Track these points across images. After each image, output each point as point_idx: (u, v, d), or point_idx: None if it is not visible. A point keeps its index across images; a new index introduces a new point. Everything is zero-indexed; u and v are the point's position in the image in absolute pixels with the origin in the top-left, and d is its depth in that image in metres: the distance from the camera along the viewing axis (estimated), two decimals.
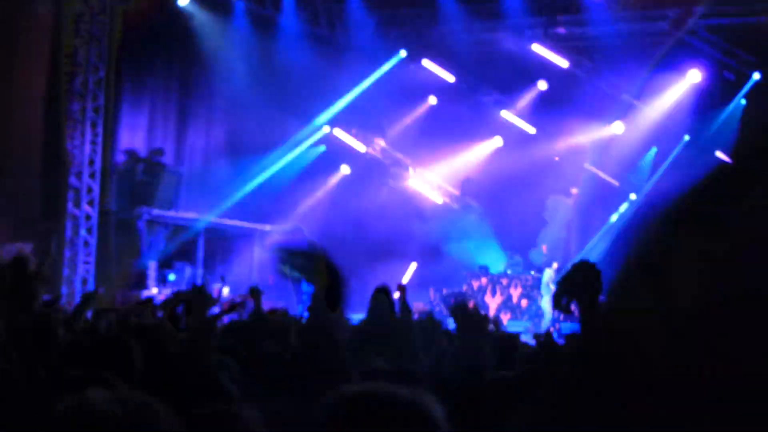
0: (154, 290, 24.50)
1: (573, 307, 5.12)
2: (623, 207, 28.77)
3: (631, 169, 29.25)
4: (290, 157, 29.54)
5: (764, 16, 25.37)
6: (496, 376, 7.55)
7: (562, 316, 22.12)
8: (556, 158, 30.18)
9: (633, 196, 28.69)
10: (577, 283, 5.05)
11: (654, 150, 28.78)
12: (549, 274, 25.40)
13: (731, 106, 27.43)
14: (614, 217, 28.77)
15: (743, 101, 27.61)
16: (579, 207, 29.27)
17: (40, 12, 23.49)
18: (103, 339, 7.70)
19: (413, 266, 29.53)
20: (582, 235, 29.13)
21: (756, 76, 26.82)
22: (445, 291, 27.23)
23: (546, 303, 24.61)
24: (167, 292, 23.69)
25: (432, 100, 30.61)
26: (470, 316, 9.66)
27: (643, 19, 26.18)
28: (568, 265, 7.46)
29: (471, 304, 22.44)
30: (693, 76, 27.10)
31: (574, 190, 29.17)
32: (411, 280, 28.38)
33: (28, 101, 23.88)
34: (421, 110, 30.68)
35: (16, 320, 6.74)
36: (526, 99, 29.89)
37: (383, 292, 10.47)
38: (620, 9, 24.96)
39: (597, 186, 29.23)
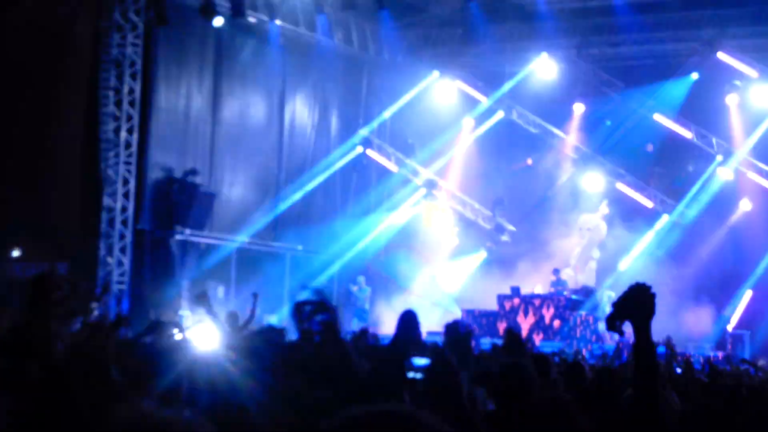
0: (187, 312, 23.77)
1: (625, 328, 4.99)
2: (658, 225, 28.33)
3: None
4: (323, 176, 28.94)
5: None
6: (543, 395, 7.02)
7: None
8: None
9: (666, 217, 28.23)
10: (630, 305, 4.94)
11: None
12: (607, 295, 25.32)
13: None
14: (650, 235, 28.27)
15: None
16: (609, 225, 28.79)
17: (77, 31, 23.69)
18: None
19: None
20: (615, 254, 28.54)
21: None
22: (477, 311, 27.06)
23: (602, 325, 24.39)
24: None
25: (466, 122, 30.19)
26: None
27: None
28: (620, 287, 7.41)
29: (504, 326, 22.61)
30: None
31: (605, 208, 28.72)
32: None
33: (67, 122, 24.15)
34: (453, 132, 30.15)
35: (38, 335, 6.55)
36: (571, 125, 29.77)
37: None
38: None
39: (626, 204, 28.94)
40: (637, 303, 4.92)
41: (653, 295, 4.95)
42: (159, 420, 2.91)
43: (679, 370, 12.62)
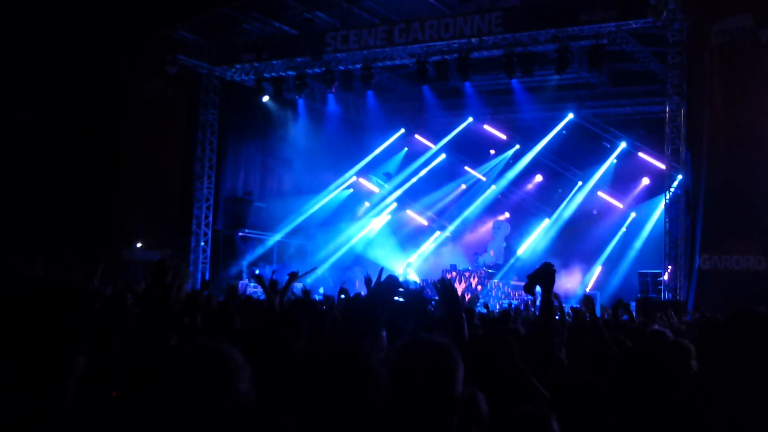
0: (247, 280, 25.71)
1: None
2: (542, 224, 29.51)
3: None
4: (330, 197, 30.35)
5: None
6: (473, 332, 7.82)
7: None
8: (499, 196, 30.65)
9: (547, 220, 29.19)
10: (541, 275, 5.33)
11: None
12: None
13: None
14: (537, 231, 29.33)
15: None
16: (512, 225, 29.97)
17: (179, 105, 25.40)
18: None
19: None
20: (515, 244, 29.66)
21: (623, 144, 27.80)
22: (429, 280, 26.76)
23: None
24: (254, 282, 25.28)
25: (421, 160, 31.30)
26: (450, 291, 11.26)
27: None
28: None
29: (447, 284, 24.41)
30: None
31: (507, 214, 30.17)
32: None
33: (174, 162, 25.85)
34: (414, 167, 31.40)
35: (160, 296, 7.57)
36: (480, 159, 30.78)
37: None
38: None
39: (521, 209, 30.15)
40: (544, 275, 5.34)
41: (554, 271, 5.40)
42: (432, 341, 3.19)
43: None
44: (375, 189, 31.80)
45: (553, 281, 5.38)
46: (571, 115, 28.07)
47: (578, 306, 12.36)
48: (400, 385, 3.17)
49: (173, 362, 2.87)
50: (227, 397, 2.77)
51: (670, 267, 19.97)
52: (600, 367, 5.33)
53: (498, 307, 23.43)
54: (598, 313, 15.59)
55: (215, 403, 2.75)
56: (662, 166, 21.33)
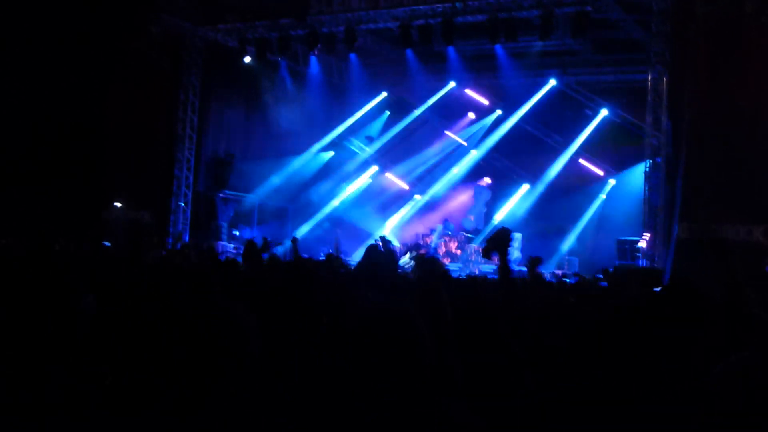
0: (225, 241, 26.00)
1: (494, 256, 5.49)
2: (521, 189, 29.39)
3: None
4: (311, 159, 30.41)
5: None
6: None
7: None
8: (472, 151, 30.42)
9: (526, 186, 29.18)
10: (497, 240, 5.43)
11: None
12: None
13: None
14: (515, 198, 29.30)
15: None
16: (493, 190, 29.85)
17: (163, 66, 25.11)
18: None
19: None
20: (495, 208, 29.56)
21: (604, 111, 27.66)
22: (410, 244, 27.09)
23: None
24: (233, 243, 25.85)
25: (402, 123, 31.13)
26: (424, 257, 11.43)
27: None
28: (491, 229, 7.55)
29: (423, 251, 24.10)
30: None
31: (488, 179, 29.86)
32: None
33: (157, 124, 25.58)
34: (396, 131, 31.31)
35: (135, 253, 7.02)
36: (461, 123, 30.96)
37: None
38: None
39: (502, 175, 30.01)
40: (499, 239, 5.42)
41: (510, 233, 5.50)
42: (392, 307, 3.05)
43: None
44: (357, 152, 31.69)
45: (508, 246, 5.42)
46: (553, 82, 27.95)
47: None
48: (362, 350, 3.01)
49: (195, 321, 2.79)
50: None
51: (648, 235, 20.01)
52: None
53: (477, 271, 23.51)
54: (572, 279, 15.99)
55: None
56: (644, 135, 21.35)
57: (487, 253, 5.56)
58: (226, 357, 2.67)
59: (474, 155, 30.65)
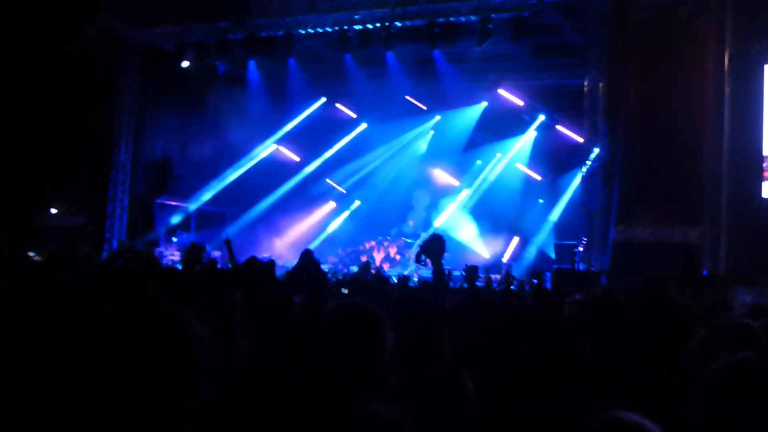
0: (163, 248, 25.81)
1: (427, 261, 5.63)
2: (461, 194, 29.56)
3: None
4: (250, 165, 29.94)
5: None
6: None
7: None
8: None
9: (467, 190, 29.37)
10: (430, 247, 5.53)
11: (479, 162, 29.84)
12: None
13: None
14: (455, 202, 29.44)
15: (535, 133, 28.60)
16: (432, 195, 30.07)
17: (102, 71, 24.79)
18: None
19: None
20: (434, 214, 29.64)
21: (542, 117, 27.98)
22: (349, 249, 28.51)
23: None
24: (172, 249, 25.84)
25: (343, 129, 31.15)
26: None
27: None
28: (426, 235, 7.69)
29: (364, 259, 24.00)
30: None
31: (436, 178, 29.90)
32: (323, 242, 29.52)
33: (90, 125, 25.09)
34: (335, 136, 31.34)
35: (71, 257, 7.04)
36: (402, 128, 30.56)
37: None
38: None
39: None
40: (433, 245, 5.51)
41: (444, 240, 5.59)
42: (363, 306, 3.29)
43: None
44: (295, 158, 31.46)
45: (442, 252, 5.52)
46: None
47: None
48: (330, 346, 3.27)
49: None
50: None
51: (585, 239, 20.21)
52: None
53: (416, 276, 23.41)
54: (514, 285, 16.18)
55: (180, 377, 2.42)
56: (580, 139, 21.56)
57: (418, 258, 5.76)
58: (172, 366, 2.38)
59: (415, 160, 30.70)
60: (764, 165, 18.88)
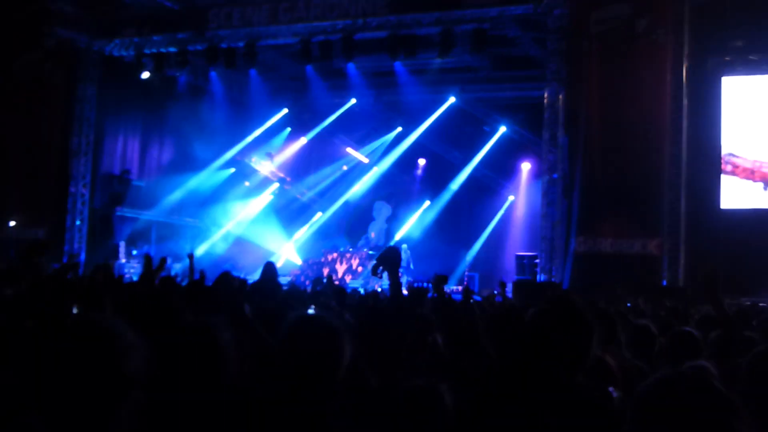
0: (123, 260, 25.47)
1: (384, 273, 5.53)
2: (423, 205, 29.71)
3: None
4: (211, 176, 29.73)
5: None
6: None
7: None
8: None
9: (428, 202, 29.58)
10: (386, 259, 5.50)
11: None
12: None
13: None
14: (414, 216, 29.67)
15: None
16: (394, 207, 30.14)
17: (59, 80, 24.56)
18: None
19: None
20: (397, 226, 29.94)
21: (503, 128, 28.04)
22: (311, 261, 28.33)
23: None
24: (132, 262, 25.47)
25: (302, 140, 31.25)
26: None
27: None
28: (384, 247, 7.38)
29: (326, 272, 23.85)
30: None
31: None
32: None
33: (49, 137, 24.98)
34: (297, 147, 31.45)
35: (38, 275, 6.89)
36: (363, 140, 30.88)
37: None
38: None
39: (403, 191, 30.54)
40: (389, 258, 5.48)
41: (400, 253, 5.61)
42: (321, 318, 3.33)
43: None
44: (257, 168, 31.32)
45: (398, 264, 5.51)
46: (452, 99, 28.10)
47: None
48: (287, 358, 3.28)
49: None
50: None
51: (546, 249, 20.30)
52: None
53: (379, 288, 23.19)
54: (478, 297, 16.18)
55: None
56: (541, 151, 21.66)
57: (374, 271, 5.65)
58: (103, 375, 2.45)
59: (375, 171, 30.75)
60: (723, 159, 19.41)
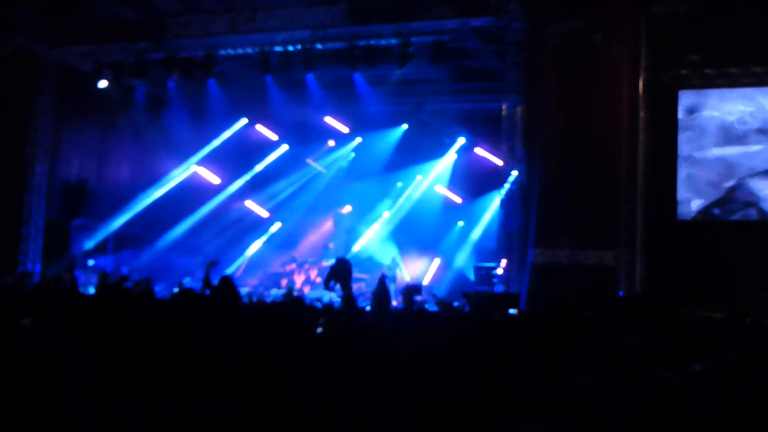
0: (79, 272, 24.52)
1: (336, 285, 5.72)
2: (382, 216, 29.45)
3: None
4: (169, 186, 29.31)
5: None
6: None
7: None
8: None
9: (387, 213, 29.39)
10: (337, 271, 5.70)
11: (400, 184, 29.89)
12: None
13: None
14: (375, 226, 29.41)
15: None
16: (352, 217, 30.22)
17: (16, 88, 24.32)
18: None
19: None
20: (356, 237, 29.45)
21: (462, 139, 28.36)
22: (269, 272, 28.30)
23: None
24: (89, 273, 24.93)
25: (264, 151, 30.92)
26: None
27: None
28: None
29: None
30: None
31: (349, 207, 30.40)
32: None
33: (3, 146, 24.73)
34: (256, 158, 30.91)
35: None
36: (322, 150, 30.98)
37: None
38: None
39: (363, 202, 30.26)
40: (340, 270, 5.66)
41: (350, 265, 5.77)
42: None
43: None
44: (216, 179, 31.03)
45: (349, 276, 5.67)
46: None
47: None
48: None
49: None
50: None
51: (504, 261, 20.38)
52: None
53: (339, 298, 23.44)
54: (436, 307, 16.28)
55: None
56: (499, 162, 21.80)
57: (326, 284, 5.80)
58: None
59: (334, 182, 30.88)
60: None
